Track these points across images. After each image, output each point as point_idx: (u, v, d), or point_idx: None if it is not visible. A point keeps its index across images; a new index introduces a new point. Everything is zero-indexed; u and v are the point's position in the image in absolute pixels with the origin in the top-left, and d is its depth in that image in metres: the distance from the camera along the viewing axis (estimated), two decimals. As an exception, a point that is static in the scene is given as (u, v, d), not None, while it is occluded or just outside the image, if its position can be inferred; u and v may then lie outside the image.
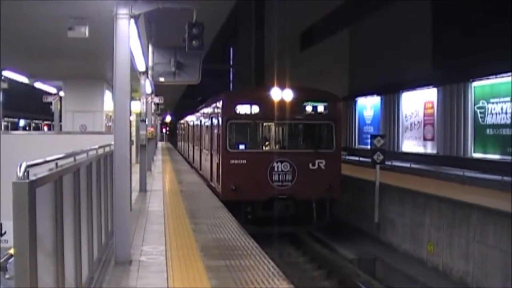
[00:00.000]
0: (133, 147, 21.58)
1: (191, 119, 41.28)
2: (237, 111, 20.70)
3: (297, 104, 20.90)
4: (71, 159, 7.16)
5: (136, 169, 22.03)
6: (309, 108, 21.06)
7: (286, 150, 21.22)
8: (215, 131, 22.63)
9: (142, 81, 22.05)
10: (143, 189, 21.23)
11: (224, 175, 20.68)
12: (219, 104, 21.89)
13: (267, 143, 21.75)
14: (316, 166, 20.70)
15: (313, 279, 17.99)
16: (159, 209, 17.06)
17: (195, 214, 15.96)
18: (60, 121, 31.33)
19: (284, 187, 20.42)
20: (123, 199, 10.45)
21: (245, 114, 20.80)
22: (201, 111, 31.61)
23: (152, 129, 25.83)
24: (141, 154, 22.05)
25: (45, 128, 74.14)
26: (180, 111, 70.50)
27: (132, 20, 10.68)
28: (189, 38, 12.41)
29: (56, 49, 18.44)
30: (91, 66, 23.54)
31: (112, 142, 10.51)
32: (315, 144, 21.48)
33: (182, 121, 57.44)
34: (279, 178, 20.34)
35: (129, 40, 10.51)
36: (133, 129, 21.21)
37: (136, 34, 13.83)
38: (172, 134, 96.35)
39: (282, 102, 20.64)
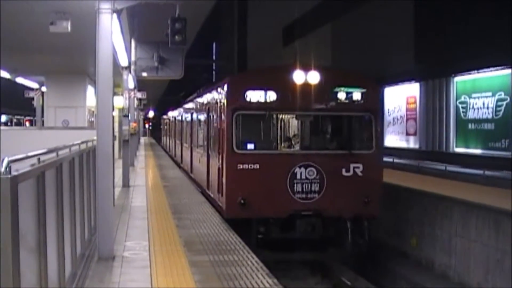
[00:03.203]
0: (116, 143, 21.48)
1: (179, 112, 35.67)
2: (247, 99, 15.32)
3: (326, 90, 15.74)
4: (54, 154, 7.13)
5: (119, 164, 21.96)
6: (341, 96, 15.87)
7: (311, 151, 15.98)
8: (216, 125, 17.14)
9: (124, 76, 21.97)
10: (126, 184, 21.16)
11: (229, 184, 15.35)
12: (222, 90, 16.44)
13: (286, 141, 16.81)
14: (351, 172, 15.57)
15: None
16: (142, 204, 17.01)
17: (178, 210, 15.94)
18: (42, 116, 31.15)
19: (309, 200, 15.28)
20: (106, 194, 10.41)
21: (258, 103, 15.38)
22: (193, 102, 25.96)
23: (135, 124, 25.75)
24: (124, 149, 21.98)
25: (27, 123, 73.67)
26: (163, 106, 70.25)
27: (115, 15, 10.64)
28: (172, 33, 12.41)
29: (38, 44, 18.33)
30: (73, 61, 23.40)
31: (95, 138, 10.47)
32: (349, 143, 16.29)
33: (167, 115, 51.26)
34: (302, 188, 15.25)
35: (112, 35, 10.47)
36: (116, 124, 21.13)
37: (119, 29, 13.78)
38: (155, 130, 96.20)
39: (306, 87, 15.37)
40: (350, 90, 15.92)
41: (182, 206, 16.63)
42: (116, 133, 21.97)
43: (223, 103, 15.92)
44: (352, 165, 15.57)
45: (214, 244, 11.60)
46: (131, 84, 24.98)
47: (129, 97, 23.78)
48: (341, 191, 15.39)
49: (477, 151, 28.03)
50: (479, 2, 26.85)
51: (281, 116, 16.85)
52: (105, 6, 10.24)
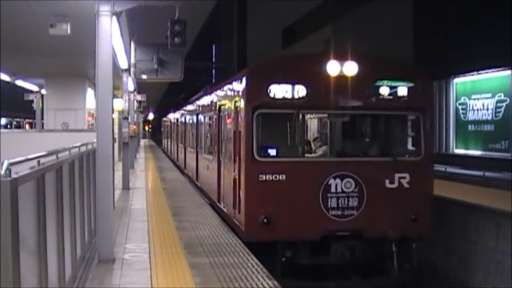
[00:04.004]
0: (116, 145, 21.50)
1: (182, 113, 32.65)
2: (271, 95, 12.64)
3: (366, 83, 13.11)
4: (54, 157, 7.14)
5: (118, 166, 21.97)
6: (384, 90, 13.22)
7: (348, 158, 13.35)
8: (230, 127, 14.53)
9: (124, 79, 21.98)
10: (126, 187, 21.16)
11: (249, 199, 12.70)
12: (239, 85, 13.73)
13: (317, 146, 14.19)
14: (396, 183, 13.07)
15: None
16: (142, 207, 17.01)
17: (178, 212, 15.93)
18: (42, 119, 31.18)
19: (346, 218, 12.69)
20: (106, 197, 10.41)
21: (284, 100, 12.68)
22: (199, 101, 23.13)
23: (134, 127, 25.78)
24: (124, 151, 21.98)
25: (27, 126, 73.72)
26: (163, 108, 70.26)
27: (114, 17, 10.64)
28: (171, 35, 12.40)
29: (38, 47, 18.35)
30: (73, 64, 23.44)
31: (95, 140, 10.47)
32: (393, 149, 13.91)
33: (168, 117, 48.13)
34: (337, 204, 12.65)
35: (111, 37, 10.48)
36: (116, 126, 21.13)
37: (118, 32, 13.79)
38: (155, 132, 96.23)
39: (341, 81, 12.78)
40: (395, 83, 13.29)
41: (182, 208, 16.62)
42: (116, 136, 21.96)
43: (241, 101, 13.21)
44: (397, 175, 13.06)
45: (214, 246, 11.60)
46: (130, 86, 25.02)
47: (129, 99, 23.81)
48: (384, 207, 12.84)
49: (477, 153, 28.02)
50: (478, 3, 26.85)
51: (311, 116, 14.66)
52: (105, 9, 10.26)
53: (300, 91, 12.70)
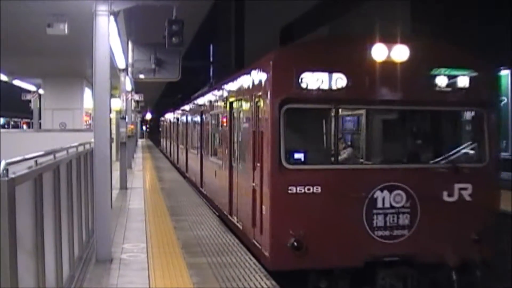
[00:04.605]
0: (113, 145, 21.49)
1: (183, 112, 29.93)
2: (303, 86, 10.00)
3: (420, 72, 10.44)
4: (51, 156, 7.14)
5: (116, 166, 21.95)
6: (441, 81, 10.53)
7: (397, 165, 10.69)
8: (248, 126, 12.03)
9: (122, 78, 22.00)
10: (123, 186, 21.15)
11: (275, 217, 10.01)
12: (261, 74, 11.01)
13: (359, 151, 11.60)
14: (456, 196, 10.47)
15: None
16: (139, 206, 16.99)
17: (176, 212, 15.91)
18: (40, 119, 31.17)
19: (395, 240, 10.14)
20: (104, 196, 10.41)
21: (319, 92, 10.05)
22: (205, 97, 20.13)
23: (132, 127, 25.77)
24: (121, 151, 21.96)
25: (25, 126, 73.74)
26: (161, 108, 70.23)
27: (112, 17, 10.65)
28: (169, 35, 12.41)
29: (35, 46, 18.33)
30: (70, 64, 23.43)
31: (92, 140, 10.47)
32: (452, 153, 11.10)
33: (168, 116, 44.53)
34: (385, 222, 10.11)
35: (109, 37, 10.47)
36: (113, 126, 21.13)
37: (116, 31, 13.78)
38: (153, 132, 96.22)
39: (389, 69, 10.22)
40: (454, 72, 10.65)
41: (180, 208, 16.61)
42: (114, 135, 21.96)
43: (264, 94, 10.54)
44: (457, 186, 10.48)
45: (212, 246, 11.59)
46: (128, 86, 25.03)
47: (126, 99, 23.82)
48: (441, 225, 10.31)
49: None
50: (477, 2, 26.88)
51: (351, 112, 11.76)
52: (102, 8, 10.25)
53: (339, 80, 10.10)
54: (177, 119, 33.64)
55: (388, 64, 10.20)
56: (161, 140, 57.11)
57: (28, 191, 5.57)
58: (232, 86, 14.28)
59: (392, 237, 10.10)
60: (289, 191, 9.80)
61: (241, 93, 12.97)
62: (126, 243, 11.82)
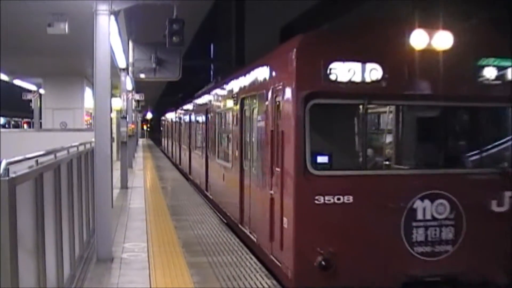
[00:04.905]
0: (114, 144, 21.50)
1: (186, 111, 28.48)
2: (332, 77, 8.63)
3: (465, 62, 9.09)
4: (52, 156, 7.14)
5: (117, 166, 21.96)
6: (490, 73, 9.15)
7: (439, 170, 9.24)
8: (263, 125, 10.56)
9: (122, 78, 22.01)
10: (124, 186, 21.16)
11: (301, 231, 8.66)
12: (282, 64, 9.59)
13: (395, 153, 9.69)
14: (507, 206, 9.08)
15: None
16: (140, 206, 17.00)
17: (176, 211, 15.91)
18: (40, 118, 31.18)
19: (438, 257, 8.81)
20: (104, 196, 10.41)
21: (350, 85, 8.69)
22: (211, 94, 18.86)
23: (133, 126, 25.77)
24: (122, 151, 21.97)
25: (25, 125, 73.74)
26: (161, 108, 70.20)
27: (112, 17, 10.66)
28: (169, 34, 12.40)
29: (36, 46, 18.34)
30: (71, 63, 23.43)
31: (93, 139, 10.47)
32: (502, 156, 9.57)
33: (170, 116, 42.89)
34: (426, 237, 8.78)
35: (109, 36, 10.47)
36: (114, 126, 21.14)
37: (116, 31, 13.78)
38: (153, 131, 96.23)
39: (430, 58, 8.88)
40: (505, 63, 9.21)
41: (181, 207, 16.61)
42: (114, 135, 21.97)
43: (285, 87, 9.15)
44: (508, 194, 9.09)
45: (213, 245, 11.59)
46: (129, 85, 25.04)
47: (127, 98, 23.84)
48: (490, 239, 8.95)
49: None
50: (479, 1, 26.85)
51: (387, 109, 9.79)
52: (103, 8, 10.26)
53: (373, 72, 8.72)
54: (180, 118, 32.23)
55: (429, 53, 8.85)
56: (163, 139, 55.44)
57: (28, 191, 5.57)
58: (244, 80, 12.74)
59: (433, 254, 8.78)
60: (316, 201, 8.44)
61: (255, 88, 11.45)
62: (126, 243, 11.82)
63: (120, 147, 22.43)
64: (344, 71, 8.61)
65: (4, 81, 28.49)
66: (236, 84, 13.77)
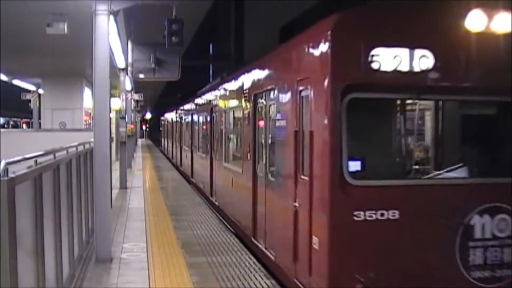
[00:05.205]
0: (113, 144, 21.50)
1: (187, 110, 26.79)
2: (374, 65, 7.09)
3: None
4: (51, 156, 7.13)
5: (116, 166, 21.96)
6: None
7: (500, 179, 7.58)
8: (285, 125, 9.05)
9: (121, 78, 22.01)
10: (123, 186, 21.14)
11: (335, 254, 7.15)
12: (311, 50, 7.93)
13: (444, 158, 8.36)
14: None
15: None
16: (139, 206, 16.99)
17: (176, 211, 15.90)
18: (39, 118, 31.18)
19: (499, 283, 7.46)
20: (104, 196, 10.41)
21: (395, 75, 7.16)
22: (219, 90, 16.84)
23: (132, 126, 25.76)
24: (121, 151, 21.96)
25: (24, 125, 73.74)
26: (160, 108, 70.19)
27: (111, 17, 10.65)
28: (168, 34, 12.41)
29: (35, 46, 18.34)
30: (70, 63, 23.43)
31: (92, 139, 10.47)
32: None
33: (170, 115, 41.22)
34: (485, 259, 7.42)
35: (108, 36, 10.46)
36: (113, 126, 21.14)
37: (116, 31, 13.77)
38: (153, 131, 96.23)
39: (489, 44, 7.40)
40: None
41: (180, 208, 16.59)
42: (113, 135, 21.97)
43: (316, 77, 7.56)
44: None
45: (212, 246, 11.59)
46: (128, 85, 25.03)
47: (126, 98, 23.82)
48: None
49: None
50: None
51: (437, 104, 8.29)
52: (102, 8, 10.25)
53: (423, 60, 7.20)
54: (181, 117, 30.50)
55: (488, 37, 7.38)
56: (162, 140, 53.48)
57: (28, 191, 5.57)
58: (258, 74, 11.25)
59: (493, 280, 7.36)
60: (355, 218, 7.00)
61: (272, 82, 9.96)
62: (126, 243, 11.81)
63: (119, 147, 22.41)
64: (388, 59, 7.09)
65: (3, 81, 28.48)
66: (248, 79, 12.21)
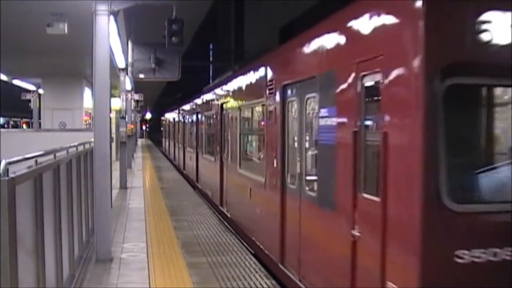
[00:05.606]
0: (113, 144, 21.51)
1: (192, 109, 24.68)
2: (483, 37, 4.75)
3: None
4: (51, 156, 7.13)
5: (116, 166, 21.95)
6: None
7: None
8: (335, 124, 6.69)
9: (121, 78, 22.03)
10: (123, 186, 21.15)
11: None
12: (384, 21, 5.57)
13: None
14: None
15: None
16: (139, 206, 16.98)
17: (176, 211, 15.90)
18: (39, 118, 31.18)
19: None
20: (104, 196, 10.41)
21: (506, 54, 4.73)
22: (230, 85, 14.80)
23: (132, 126, 25.77)
24: (121, 151, 21.96)
25: (24, 126, 73.72)
26: (161, 108, 70.20)
27: (112, 17, 10.64)
28: (168, 35, 12.41)
29: (35, 46, 18.34)
30: (70, 63, 23.43)
31: (92, 139, 10.47)
32: None
33: (172, 115, 38.79)
34: None
35: (109, 36, 10.46)
36: (113, 126, 21.15)
37: (116, 31, 13.78)
38: (153, 131, 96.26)
39: None
40: None
41: (180, 208, 16.59)
42: (113, 135, 21.97)
43: (393, 57, 5.36)
44: None
45: (212, 246, 11.58)
46: (128, 85, 25.03)
47: (126, 98, 23.83)
48: None
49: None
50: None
51: None
52: (102, 8, 10.24)
53: None
54: (184, 117, 28.25)
55: None
56: (163, 141, 50.98)
57: (28, 191, 5.57)
58: (288, 60, 9.27)
59: None
60: (458, 259, 4.81)
61: (313, 67, 7.74)
62: (126, 243, 11.81)
63: (119, 147, 22.42)
64: (505, 27, 4.88)
65: (3, 81, 28.47)
66: (272, 68, 10.21)
